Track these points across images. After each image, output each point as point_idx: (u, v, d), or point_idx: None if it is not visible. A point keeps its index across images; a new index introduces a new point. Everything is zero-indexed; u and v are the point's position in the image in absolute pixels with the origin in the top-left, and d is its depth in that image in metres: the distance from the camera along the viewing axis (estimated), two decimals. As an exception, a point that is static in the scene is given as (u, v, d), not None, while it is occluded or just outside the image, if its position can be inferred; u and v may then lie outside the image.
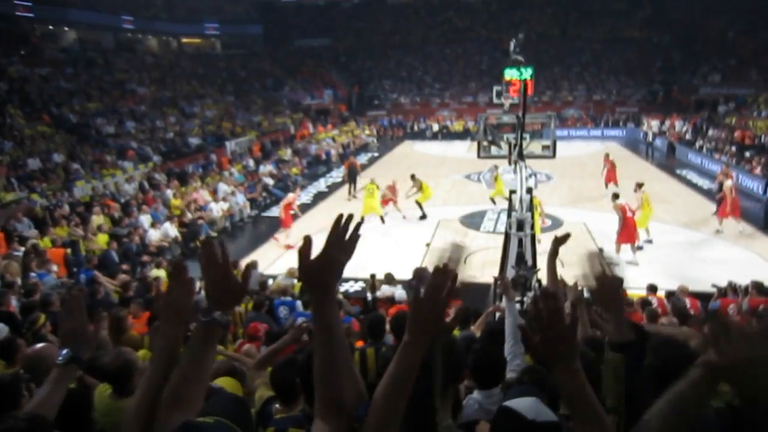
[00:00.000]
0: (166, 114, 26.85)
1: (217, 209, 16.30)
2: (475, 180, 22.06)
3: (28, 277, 9.06)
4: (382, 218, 14.68)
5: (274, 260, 13.10)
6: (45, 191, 14.93)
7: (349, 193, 19.80)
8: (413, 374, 1.33)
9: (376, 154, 30.05)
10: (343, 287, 10.84)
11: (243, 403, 1.93)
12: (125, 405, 3.08)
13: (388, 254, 13.28)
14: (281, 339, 4.03)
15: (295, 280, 9.27)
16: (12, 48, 25.63)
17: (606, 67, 41.63)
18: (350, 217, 1.42)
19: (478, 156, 10.58)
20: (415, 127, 38.00)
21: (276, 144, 28.57)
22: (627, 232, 12.18)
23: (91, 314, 6.87)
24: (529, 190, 9.60)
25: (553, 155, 10.07)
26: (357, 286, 11.11)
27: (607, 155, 19.37)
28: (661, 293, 8.86)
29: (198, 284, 2.41)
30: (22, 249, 10.70)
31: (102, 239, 12.57)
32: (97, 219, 13.64)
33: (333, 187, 21.87)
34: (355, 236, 1.42)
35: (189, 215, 15.41)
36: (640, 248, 12.74)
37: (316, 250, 1.40)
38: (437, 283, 1.35)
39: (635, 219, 12.54)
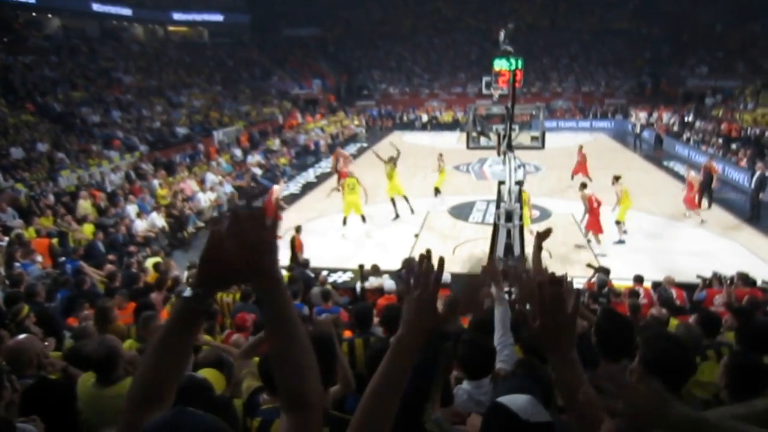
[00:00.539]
0: (153, 103, 26.57)
1: (205, 199, 16.19)
2: (464, 171, 22.10)
3: (13, 268, 8.95)
4: (363, 217, 14.15)
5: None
6: (29, 181, 14.74)
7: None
8: (407, 370, 1.28)
9: (365, 145, 29.94)
10: (332, 278, 10.83)
11: (228, 407, 1.88)
12: (109, 394, 3.05)
13: (377, 245, 13.30)
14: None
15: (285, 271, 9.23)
16: (-6, 35, 25.24)
17: (595, 59, 41.74)
18: (246, 195, 1.23)
19: (468, 147, 10.58)
20: (405, 118, 37.91)
21: (264, 134, 28.38)
22: (592, 222, 12.40)
23: (76, 306, 6.82)
24: (519, 183, 9.63)
25: (542, 146, 10.09)
26: (345, 277, 11.11)
27: (580, 147, 19.47)
28: (647, 284, 8.93)
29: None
30: (7, 239, 10.56)
31: (88, 229, 12.43)
32: (84, 203, 13.51)
33: (321, 178, 21.78)
34: (260, 212, 1.25)
35: (177, 205, 15.29)
36: (621, 242, 12.88)
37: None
38: (424, 272, 1.31)
39: (617, 209, 13.03)
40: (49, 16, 32.76)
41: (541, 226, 12.31)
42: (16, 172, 15.22)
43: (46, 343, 4.36)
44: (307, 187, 20.36)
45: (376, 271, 9.92)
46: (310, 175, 22.70)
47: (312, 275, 9.81)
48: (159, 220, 13.94)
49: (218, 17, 43.39)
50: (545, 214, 15.29)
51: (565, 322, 1.34)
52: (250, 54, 41.75)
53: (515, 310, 3.36)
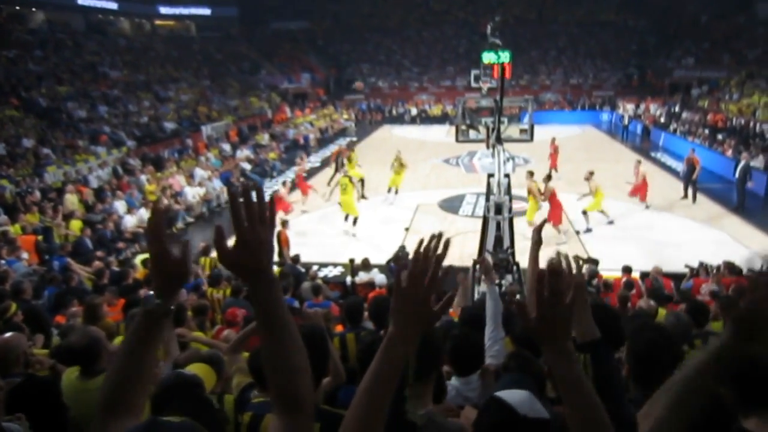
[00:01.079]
0: (140, 98, 26.27)
1: (194, 194, 16.08)
2: (454, 164, 22.12)
3: (-1, 265, 8.86)
4: (355, 219, 13.92)
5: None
6: (14, 177, 14.56)
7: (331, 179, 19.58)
8: (399, 368, 1.25)
9: (354, 139, 29.86)
10: (323, 272, 10.82)
11: (210, 406, 1.86)
12: (93, 386, 3.03)
13: (368, 239, 13.29)
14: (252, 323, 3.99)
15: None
16: (-24, 30, 24.83)
17: (582, 51, 41.87)
18: (255, 188, 1.24)
19: (457, 140, 10.57)
20: (394, 111, 37.83)
21: (253, 128, 28.22)
22: (554, 213, 12.63)
23: (64, 303, 6.76)
24: (507, 176, 9.63)
25: (531, 139, 10.10)
26: (336, 271, 11.10)
27: (553, 139, 19.56)
28: (635, 274, 9.00)
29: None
30: (-8, 236, 10.45)
31: (76, 225, 12.32)
32: (71, 198, 13.39)
33: (311, 172, 21.69)
34: (265, 206, 1.23)
35: (165, 201, 15.18)
36: (589, 230, 13.26)
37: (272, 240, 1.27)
38: (419, 271, 1.26)
39: (586, 201, 13.70)
40: (33, 9, 32.25)
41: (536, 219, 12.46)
42: (1, 168, 15.03)
43: (30, 343, 4.31)
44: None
45: (366, 265, 9.93)
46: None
47: (302, 270, 9.80)
48: (148, 215, 13.82)
49: (206, 11, 42.96)
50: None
51: (563, 313, 1.31)
52: (239, 48, 41.40)
53: (506, 302, 3.35)
